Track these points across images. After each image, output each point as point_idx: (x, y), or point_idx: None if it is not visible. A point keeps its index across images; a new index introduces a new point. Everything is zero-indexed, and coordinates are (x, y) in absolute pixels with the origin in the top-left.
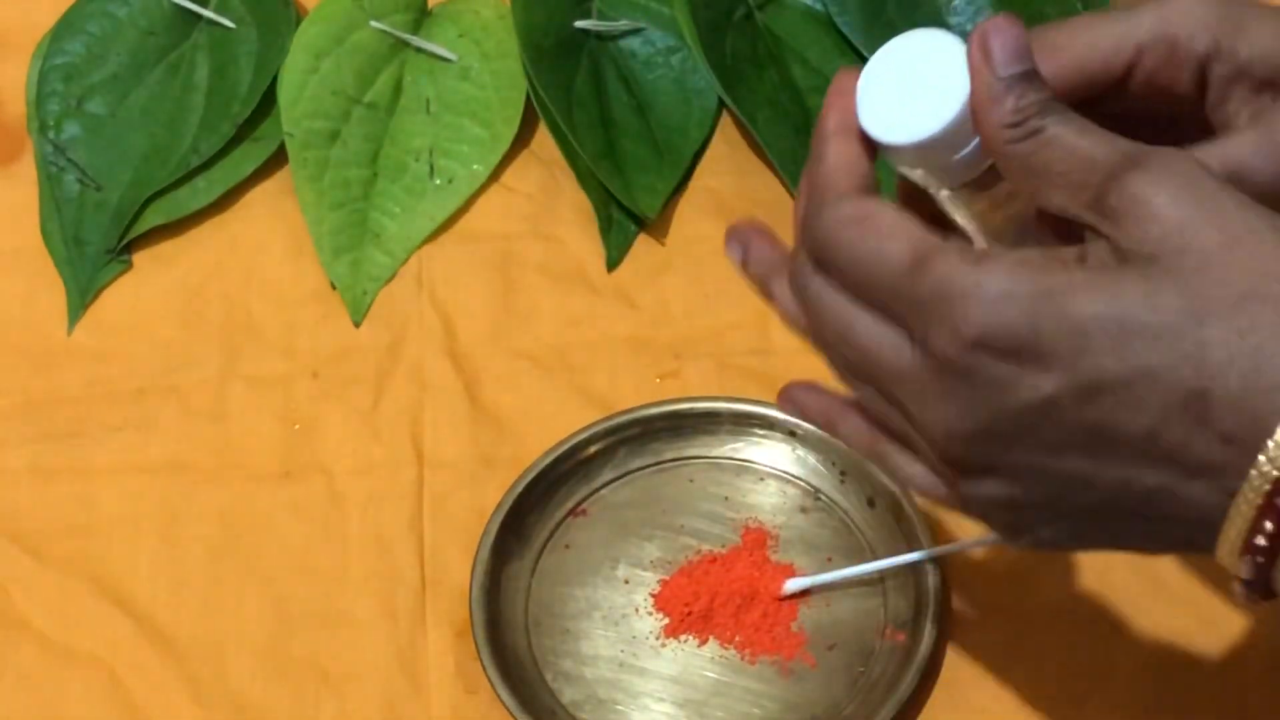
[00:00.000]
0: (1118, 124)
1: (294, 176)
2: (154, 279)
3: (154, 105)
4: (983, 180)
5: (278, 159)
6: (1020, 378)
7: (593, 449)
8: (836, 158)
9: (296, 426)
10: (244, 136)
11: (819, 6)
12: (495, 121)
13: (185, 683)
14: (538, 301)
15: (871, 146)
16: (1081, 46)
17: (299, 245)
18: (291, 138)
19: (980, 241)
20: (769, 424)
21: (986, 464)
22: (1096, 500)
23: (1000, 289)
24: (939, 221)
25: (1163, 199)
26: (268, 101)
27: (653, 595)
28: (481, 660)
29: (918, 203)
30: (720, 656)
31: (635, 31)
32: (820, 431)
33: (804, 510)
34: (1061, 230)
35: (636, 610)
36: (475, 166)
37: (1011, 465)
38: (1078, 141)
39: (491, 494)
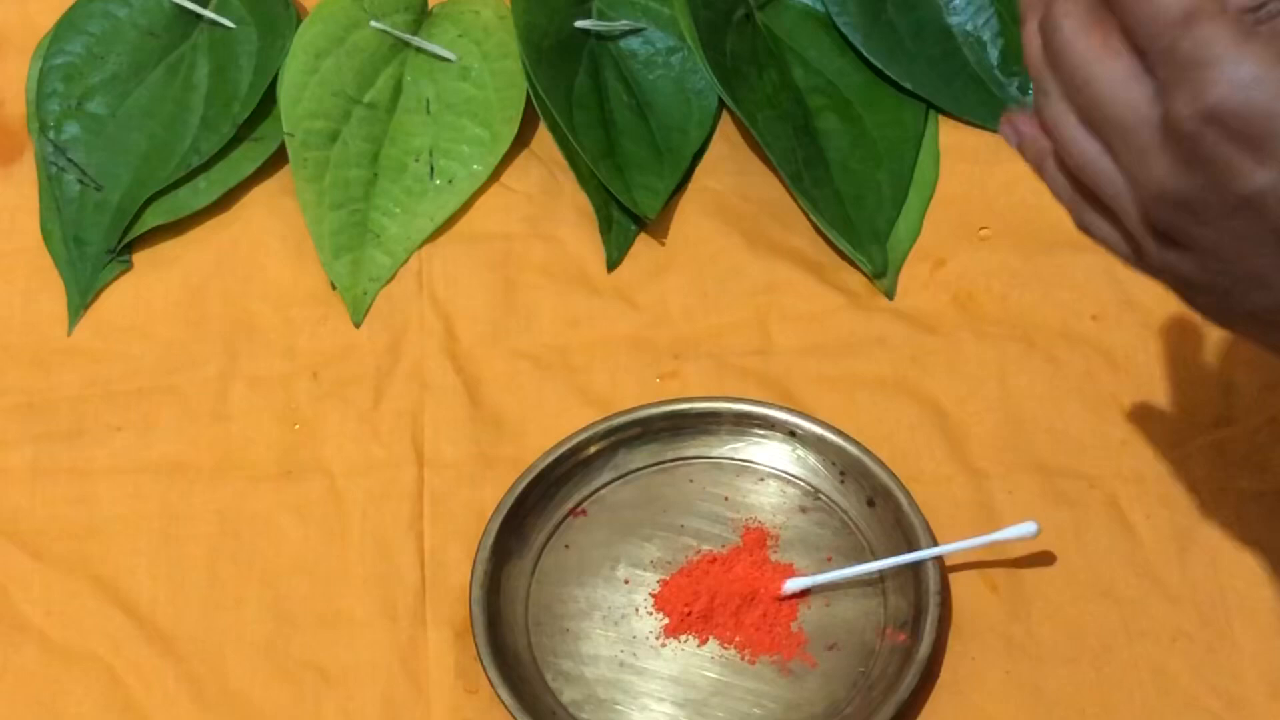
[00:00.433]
0: None
1: (294, 177)
2: (154, 279)
3: (154, 105)
4: None
5: (278, 159)
6: (1242, 162)
7: (593, 449)
8: None
9: (296, 426)
10: (244, 136)
11: (819, 6)
12: (495, 121)
13: (185, 683)
14: (538, 301)
15: None
16: None
17: (299, 245)
18: (291, 138)
19: None
20: (769, 424)
21: (1184, 235)
22: (1270, 302)
23: (1253, 73)
24: None
25: None
26: (268, 101)
27: (653, 595)
28: (481, 660)
29: None
30: (720, 656)
31: (635, 31)
32: (820, 431)
33: (804, 510)
34: None
35: (636, 610)
36: (475, 166)
37: (1205, 246)
38: None
39: (491, 494)
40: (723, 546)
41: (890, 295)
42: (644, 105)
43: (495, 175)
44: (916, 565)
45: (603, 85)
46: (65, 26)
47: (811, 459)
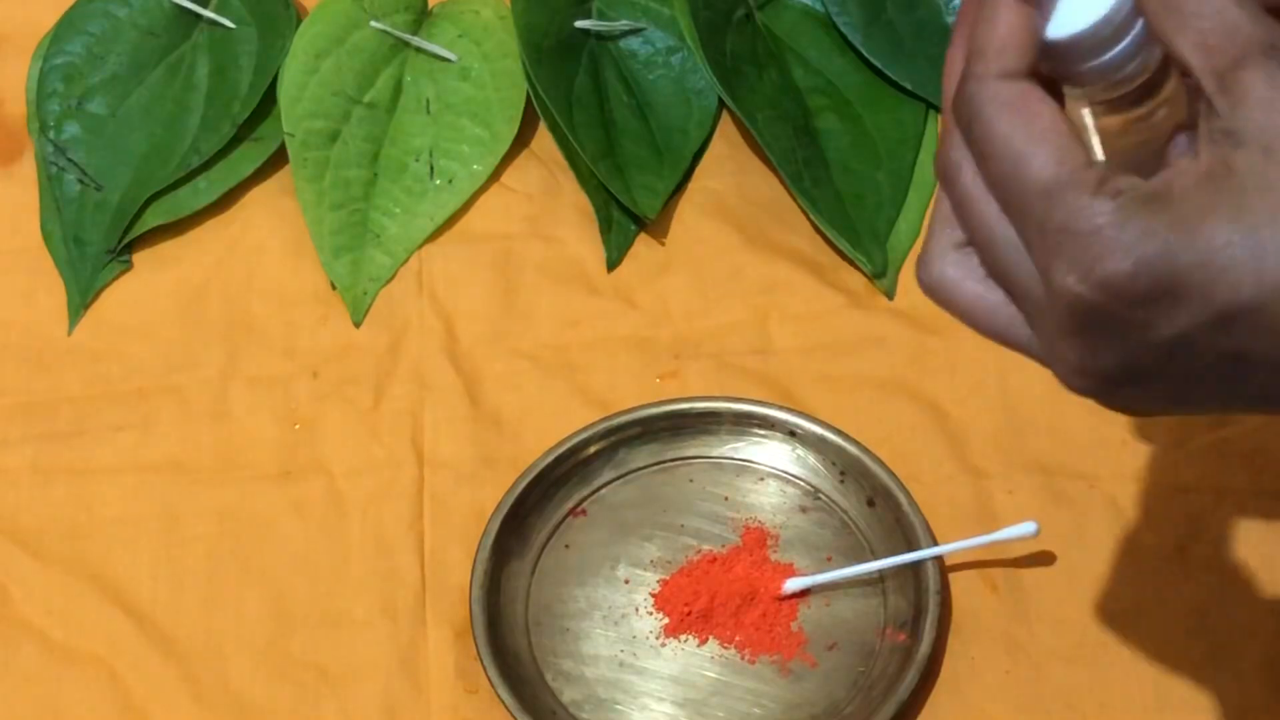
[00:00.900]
0: None
1: (294, 177)
2: (154, 279)
3: (154, 105)
4: (1120, 102)
5: (278, 159)
6: (1154, 317)
7: (593, 449)
8: (1010, 26)
9: (296, 426)
10: (244, 136)
11: (819, 6)
12: (495, 121)
13: (185, 683)
14: (538, 301)
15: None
16: None
17: (299, 245)
18: (291, 138)
19: (1099, 154)
20: (769, 424)
21: (1117, 389)
22: (1222, 404)
23: (1133, 234)
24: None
25: None
26: (268, 101)
27: (653, 595)
28: (481, 660)
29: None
30: (720, 656)
31: (635, 31)
32: (820, 431)
33: (804, 510)
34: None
35: (636, 610)
36: (475, 166)
37: (1145, 388)
38: (1229, 3)
39: (491, 494)
40: (723, 546)
41: (890, 295)
42: (644, 105)
43: (495, 175)
44: (916, 565)
45: (603, 85)
46: (65, 26)
47: (811, 459)
